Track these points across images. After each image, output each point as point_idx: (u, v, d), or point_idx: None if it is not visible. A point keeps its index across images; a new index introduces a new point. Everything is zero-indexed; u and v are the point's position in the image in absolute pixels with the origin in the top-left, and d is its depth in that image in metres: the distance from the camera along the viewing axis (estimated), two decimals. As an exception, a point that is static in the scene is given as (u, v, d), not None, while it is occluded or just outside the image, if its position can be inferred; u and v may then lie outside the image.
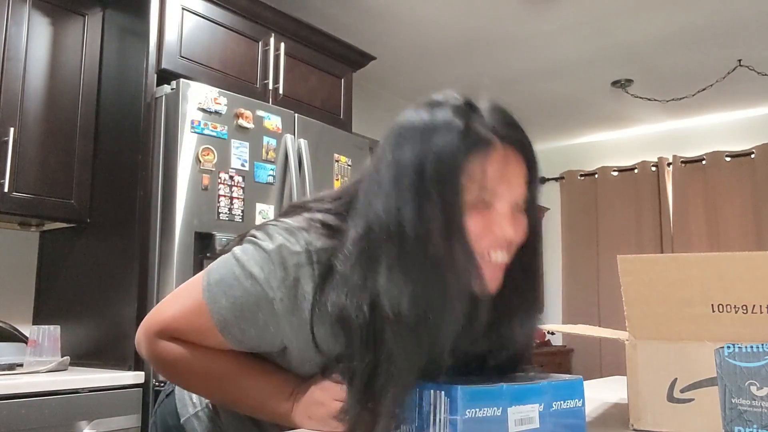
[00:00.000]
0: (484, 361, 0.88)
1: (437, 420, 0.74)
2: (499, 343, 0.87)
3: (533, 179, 0.83)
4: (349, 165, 2.81)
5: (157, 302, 1.14)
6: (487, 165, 0.79)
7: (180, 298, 0.93)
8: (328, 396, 0.85)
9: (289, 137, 2.54)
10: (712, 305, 0.76)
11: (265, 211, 2.42)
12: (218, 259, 0.91)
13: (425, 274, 0.77)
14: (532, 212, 0.85)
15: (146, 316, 0.97)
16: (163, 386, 2.20)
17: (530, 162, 0.83)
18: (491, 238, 0.80)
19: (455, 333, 0.80)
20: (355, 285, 0.80)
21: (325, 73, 2.98)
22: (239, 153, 2.36)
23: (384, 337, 0.78)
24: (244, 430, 1.01)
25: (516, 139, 0.81)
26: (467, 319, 0.82)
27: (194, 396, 1.07)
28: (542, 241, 0.91)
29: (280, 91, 2.70)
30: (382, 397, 0.77)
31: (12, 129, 2.19)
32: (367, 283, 0.79)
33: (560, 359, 5.18)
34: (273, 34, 2.72)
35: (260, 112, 2.47)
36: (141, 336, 0.97)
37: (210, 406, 1.05)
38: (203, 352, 0.91)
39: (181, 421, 1.06)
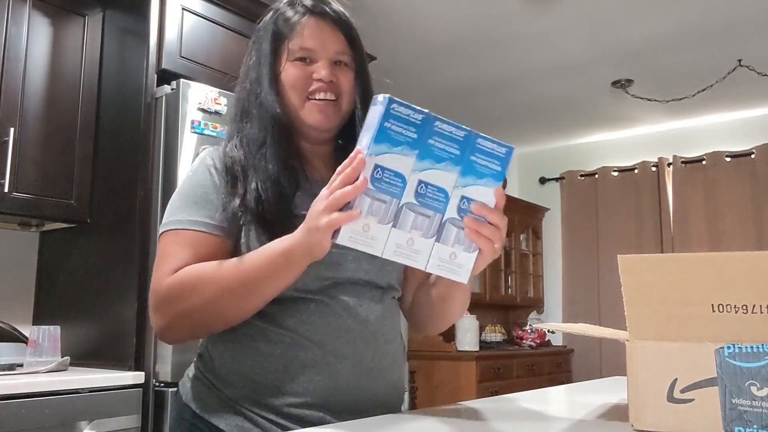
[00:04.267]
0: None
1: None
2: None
3: (355, 44, 1.13)
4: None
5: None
6: (295, 30, 1.09)
7: (155, 261, 1.04)
8: (324, 198, 0.88)
9: (289, 137, 2.53)
10: (712, 305, 0.76)
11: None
12: None
13: (262, 108, 1.08)
14: (361, 71, 1.14)
15: (149, 294, 1.03)
16: (163, 386, 2.20)
17: (347, 31, 1.12)
18: (311, 81, 1.08)
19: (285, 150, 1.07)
20: (231, 134, 1.11)
21: (325, 73, 2.98)
22: (239, 153, 2.36)
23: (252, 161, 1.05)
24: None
25: (330, 16, 1.11)
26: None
27: (190, 373, 1.12)
28: (371, 86, 1.16)
29: (280, 91, 2.69)
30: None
31: (12, 129, 2.19)
32: (237, 131, 1.10)
33: (560, 359, 5.18)
34: (273, 34, 2.71)
35: (260, 112, 2.47)
36: (153, 294, 1.01)
37: (201, 369, 1.09)
38: (205, 264, 0.99)
39: (186, 400, 1.09)
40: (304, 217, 0.98)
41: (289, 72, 1.08)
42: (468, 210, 0.88)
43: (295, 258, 0.92)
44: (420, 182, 0.86)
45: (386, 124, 0.85)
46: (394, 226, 0.86)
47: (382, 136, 0.85)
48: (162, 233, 1.05)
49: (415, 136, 0.86)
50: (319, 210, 0.87)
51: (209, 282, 0.96)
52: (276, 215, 1.01)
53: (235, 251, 1.03)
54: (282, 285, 0.96)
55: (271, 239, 0.97)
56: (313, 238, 0.88)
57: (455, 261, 0.89)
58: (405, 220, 0.87)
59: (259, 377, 1.02)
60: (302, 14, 1.10)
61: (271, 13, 1.14)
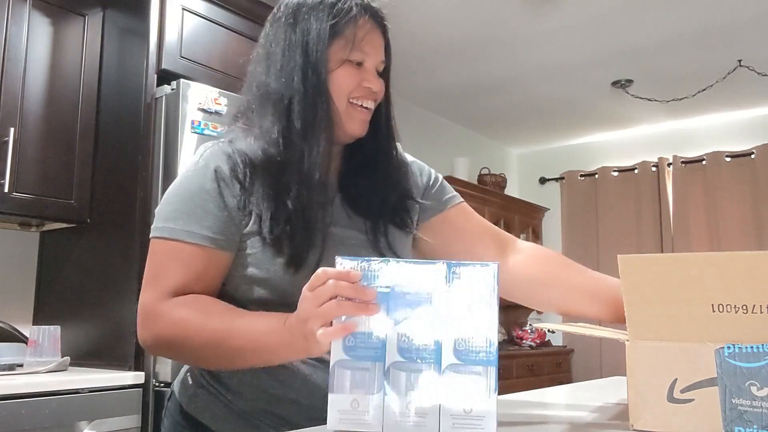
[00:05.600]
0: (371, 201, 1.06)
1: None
2: (380, 181, 1.07)
3: (388, 53, 1.06)
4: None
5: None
6: (357, 31, 1.00)
7: (147, 270, 0.97)
8: (312, 291, 0.78)
9: (289, 137, 2.53)
10: (712, 305, 0.76)
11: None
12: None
13: (300, 113, 0.98)
14: (387, 77, 1.07)
15: (139, 306, 0.97)
16: (163, 386, 2.19)
17: (386, 37, 1.06)
18: (361, 88, 1.01)
19: (320, 165, 0.97)
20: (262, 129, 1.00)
21: (325, 73, 2.98)
22: (239, 153, 2.36)
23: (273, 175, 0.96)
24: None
25: (378, 16, 1.04)
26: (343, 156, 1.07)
27: (189, 377, 1.07)
28: (392, 101, 1.10)
29: (280, 91, 2.69)
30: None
31: (12, 129, 2.19)
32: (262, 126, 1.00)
33: (560, 359, 5.18)
34: (273, 34, 2.71)
35: (260, 112, 2.47)
36: (141, 311, 0.96)
37: (198, 372, 1.05)
38: (199, 306, 0.92)
39: (183, 406, 1.05)
40: (322, 231, 0.95)
41: (343, 73, 1.00)
42: (466, 351, 0.74)
43: (293, 354, 0.86)
44: (400, 335, 0.75)
45: None
46: (386, 393, 0.74)
47: None
48: (155, 238, 0.97)
49: None
50: (311, 316, 0.77)
51: (195, 333, 0.90)
52: (300, 229, 0.94)
53: (236, 260, 0.98)
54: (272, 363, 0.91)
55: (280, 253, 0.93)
56: (313, 347, 0.79)
57: (472, 414, 0.74)
58: (396, 383, 0.74)
59: (276, 390, 0.97)
60: (361, 11, 1.01)
61: None
